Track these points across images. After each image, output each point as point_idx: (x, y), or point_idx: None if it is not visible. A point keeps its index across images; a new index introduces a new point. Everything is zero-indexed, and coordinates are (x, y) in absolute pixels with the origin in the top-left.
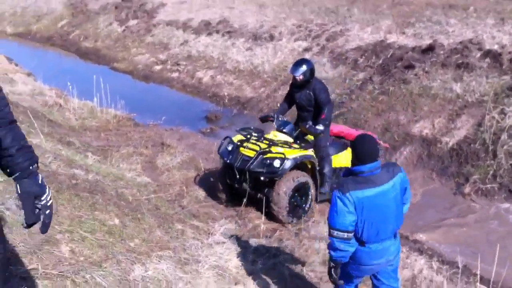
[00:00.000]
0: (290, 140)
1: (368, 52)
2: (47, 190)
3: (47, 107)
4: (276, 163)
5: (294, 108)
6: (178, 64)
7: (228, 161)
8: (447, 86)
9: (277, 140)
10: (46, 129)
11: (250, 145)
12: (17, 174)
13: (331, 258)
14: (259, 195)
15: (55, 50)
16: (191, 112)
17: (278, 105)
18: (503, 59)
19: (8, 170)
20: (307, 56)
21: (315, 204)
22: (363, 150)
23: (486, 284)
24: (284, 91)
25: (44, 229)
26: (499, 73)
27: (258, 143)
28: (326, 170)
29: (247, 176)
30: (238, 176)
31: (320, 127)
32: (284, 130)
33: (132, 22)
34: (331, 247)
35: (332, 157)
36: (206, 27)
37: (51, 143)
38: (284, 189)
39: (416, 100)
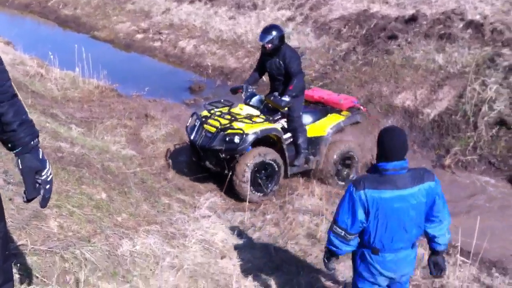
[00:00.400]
0: (256, 113)
1: (351, 22)
2: (47, 165)
3: (28, 77)
4: (236, 139)
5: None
6: (160, 33)
7: (191, 138)
8: (430, 57)
9: (240, 114)
10: (30, 100)
11: (212, 121)
12: (19, 149)
13: (326, 247)
14: (225, 171)
15: (34, 18)
16: (175, 82)
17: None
18: (485, 30)
19: (9, 145)
20: (290, 25)
21: (300, 177)
22: (390, 144)
23: (466, 256)
24: None
25: (44, 203)
26: (481, 44)
27: (219, 118)
28: (300, 141)
29: (209, 154)
30: (201, 154)
31: (286, 99)
32: (250, 103)
33: None
34: (327, 239)
35: (309, 126)
36: None
37: (35, 115)
38: (246, 166)
39: (398, 71)
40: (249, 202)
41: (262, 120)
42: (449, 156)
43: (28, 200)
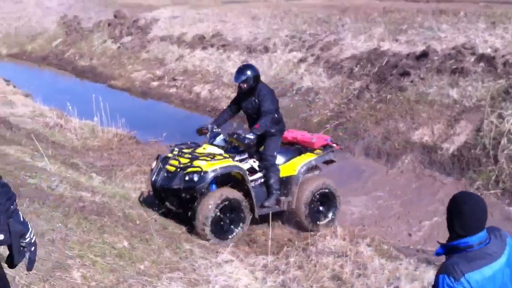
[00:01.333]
0: (219, 152)
1: (363, 61)
2: (29, 227)
3: (48, 128)
4: (195, 177)
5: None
6: (175, 80)
7: (152, 180)
8: (444, 92)
9: (201, 153)
10: (50, 151)
11: (172, 161)
12: None
13: None
14: (188, 213)
15: (51, 70)
16: (191, 127)
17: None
18: (497, 62)
19: None
20: (302, 66)
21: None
22: (473, 215)
23: None
24: (282, 103)
25: (31, 266)
26: (494, 77)
27: (179, 158)
28: (272, 181)
29: (169, 194)
30: (162, 195)
31: (250, 136)
32: (214, 143)
33: (127, 39)
34: None
35: (281, 166)
36: (201, 41)
37: (56, 165)
38: (207, 207)
39: (414, 107)
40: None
41: (223, 158)
42: (471, 191)
43: (15, 265)
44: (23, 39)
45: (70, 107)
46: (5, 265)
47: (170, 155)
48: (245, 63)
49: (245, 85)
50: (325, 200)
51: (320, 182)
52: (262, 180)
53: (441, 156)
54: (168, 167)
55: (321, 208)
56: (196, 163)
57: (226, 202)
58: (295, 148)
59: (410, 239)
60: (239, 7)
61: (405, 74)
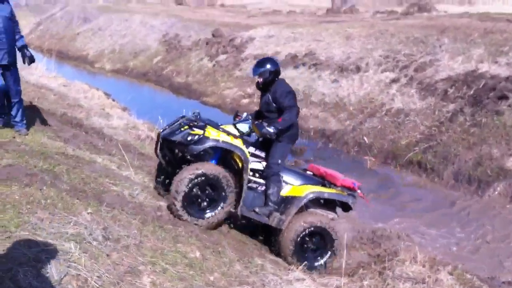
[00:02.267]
0: (233, 132)
1: (458, 83)
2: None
3: (139, 140)
4: (194, 138)
5: None
6: None
7: (161, 130)
8: None
9: (217, 126)
10: (137, 162)
11: (192, 122)
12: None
13: None
14: (177, 170)
15: (150, 86)
16: None
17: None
18: None
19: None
20: (394, 87)
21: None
22: None
23: None
24: (370, 123)
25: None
26: None
27: (197, 121)
28: (270, 191)
29: (164, 145)
30: (160, 144)
31: (270, 129)
32: (236, 125)
33: (222, 57)
34: None
35: (295, 187)
36: (293, 60)
37: (141, 175)
38: (180, 179)
39: (510, 132)
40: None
41: (233, 136)
42: None
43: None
44: (126, 55)
45: (161, 121)
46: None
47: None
48: (266, 56)
49: (260, 79)
50: (319, 241)
51: (317, 218)
52: (263, 187)
53: None
54: (183, 127)
55: (312, 247)
56: (207, 130)
57: (202, 178)
58: (319, 180)
59: (498, 272)
60: (335, 26)
61: (503, 97)
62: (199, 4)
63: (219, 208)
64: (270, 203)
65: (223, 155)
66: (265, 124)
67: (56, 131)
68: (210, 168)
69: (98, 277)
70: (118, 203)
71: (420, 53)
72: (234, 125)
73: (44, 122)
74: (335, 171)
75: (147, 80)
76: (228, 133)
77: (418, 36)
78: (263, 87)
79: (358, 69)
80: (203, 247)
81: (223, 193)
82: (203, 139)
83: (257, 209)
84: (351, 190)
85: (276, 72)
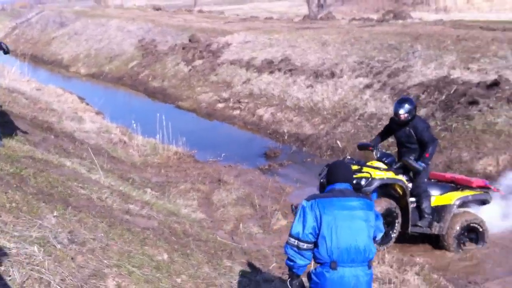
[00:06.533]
0: (384, 167)
1: (430, 88)
2: None
3: (111, 144)
4: (363, 181)
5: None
6: (239, 102)
7: (321, 180)
8: None
9: (370, 165)
10: (108, 165)
11: None
12: None
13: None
14: None
15: (125, 90)
16: (251, 149)
17: (372, 140)
18: None
19: None
20: (368, 92)
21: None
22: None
23: None
24: (344, 128)
25: None
26: None
27: (351, 165)
28: (424, 205)
29: None
30: None
31: (422, 164)
32: (386, 161)
33: (198, 62)
34: None
35: (438, 196)
36: (269, 66)
37: (111, 178)
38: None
39: (480, 136)
40: None
41: (389, 170)
42: None
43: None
44: (102, 60)
45: (134, 125)
46: None
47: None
48: (404, 96)
49: (406, 115)
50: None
51: (471, 216)
52: (415, 204)
53: (506, 188)
54: None
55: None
56: (365, 169)
57: (387, 209)
58: (453, 186)
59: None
60: (311, 33)
61: (474, 102)
62: (176, 10)
63: (392, 235)
64: (426, 215)
65: (381, 190)
66: (414, 160)
67: (25, 135)
68: (391, 203)
69: (61, 280)
70: (86, 207)
71: (393, 59)
72: (383, 162)
73: (13, 126)
74: (460, 175)
75: (122, 84)
76: (385, 170)
77: (392, 43)
78: (402, 123)
79: (332, 74)
80: (171, 250)
81: (395, 222)
82: (371, 180)
83: (419, 223)
84: (485, 188)
85: (416, 109)
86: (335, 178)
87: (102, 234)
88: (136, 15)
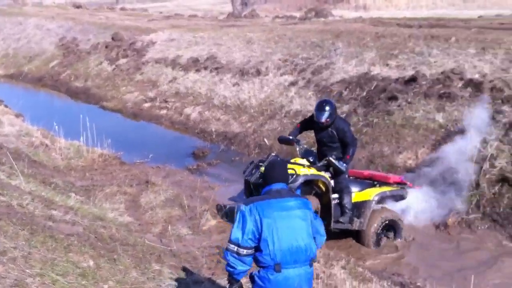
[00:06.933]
0: (307, 163)
1: (352, 85)
2: None
3: (32, 147)
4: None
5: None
6: (166, 101)
7: (246, 178)
8: (430, 116)
9: (294, 162)
10: (29, 170)
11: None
12: None
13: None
14: None
15: (46, 91)
16: (179, 149)
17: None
18: (484, 88)
19: None
20: (293, 89)
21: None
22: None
23: None
24: (271, 125)
25: None
26: (480, 102)
27: None
28: (345, 201)
29: (260, 191)
30: (253, 191)
31: (344, 165)
32: (309, 159)
33: (122, 61)
34: None
35: (358, 193)
36: (195, 64)
37: (33, 184)
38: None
39: (399, 131)
40: None
41: (312, 167)
42: (451, 215)
43: None
44: (21, 60)
45: (56, 127)
46: None
47: (264, 160)
48: (322, 99)
49: (328, 120)
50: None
51: (389, 212)
52: (337, 201)
53: (424, 179)
54: (262, 169)
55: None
56: (290, 166)
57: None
58: (371, 182)
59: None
60: (235, 30)
61: (393, 98)
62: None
63: None
64: (347, 211)
65: (304, 187)
66: (337, 161)
67: None
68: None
69: None
70: (5, 214)
71: (316, 56)
72: (307, 159)
73: None
74: (378, 172)
75: (43, 85)
76: (309, 166)
77: (315, 40)
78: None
79: (258, 72)
80: (97, 256)
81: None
82: (297, 177)
83: (341, 219)
84: (402, 184)
85: (336, 110)
86: (272, 178)
87: (24, 242)
88: (55, 13)
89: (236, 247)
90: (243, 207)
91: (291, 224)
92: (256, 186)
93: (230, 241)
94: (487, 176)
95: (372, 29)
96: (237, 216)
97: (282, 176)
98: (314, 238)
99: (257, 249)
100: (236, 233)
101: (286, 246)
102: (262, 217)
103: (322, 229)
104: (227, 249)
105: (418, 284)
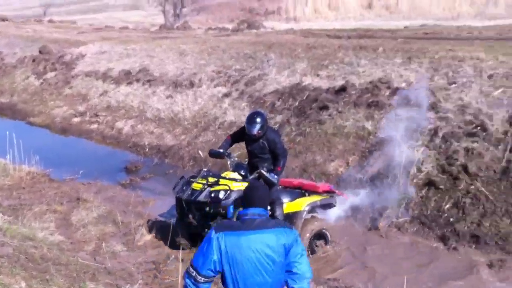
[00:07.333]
0: (240, 178)
1: (285, 95)
2: None
3: None
4: (221, 194)
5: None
6: (97, 115)
7: (177, 195)
8: (360, 124)
9: (225, 177)
10: None
11: (199, 180)
12: None
13: None
14: (206, 229)
15: None
16: (111, 164)
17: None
18: (410, 96)
19: None
20: (226, 101)
21: None
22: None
23: None
24: (205, 137)
25: None
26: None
27: (207, 177)
28: (277, 213)
29: (193, 208)
30: (185, 209)
31: (276, 177)
32: (242, 173)
33: (50, 75)
34: None
35: (289, 203)
36: (126, 77)
37: None
38: None
39: (331, 139)
40: None
41: (245, 181)
42: (382, 219)
43: None
44: None
45: None
46: None
47: (196, 176)
48: (253, 111)
49: (260, 132)
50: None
51: (320, 222)
52: (269, 212)
53: (355, 185)
54: (194, 185)
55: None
56: (222, 181)
57: None
58: (300, 191)
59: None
60: (168, 42)
61: (324, 108)
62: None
63: None
64: None
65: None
66: (268, 174)
67: None
68: None
69: None
70: None
71: (250, 68)
72: (239, 173)
73: None
74: (308, 180)
75: None
76: (242, 181)
77: (247, 52)
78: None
79: (192, 84)
80: (29, 277)
81: None
82: (231, 192)
83: None
84: (331, 192)
85: (267, 121)
86: (250, 202)
87: None
88: None
89: (194, 272)
90: (212, 232)
91: (260, 262)
92: (188, 203)
93: (191, 264)
94: (414, 181)
95: (303, 40)
96: (205, 239)
97: (261, 200)
98: (291, 273)
99: (223, 281)
100: (198, 260)
101: (251, 283)
102: (228, 251)
103: (304, 266)
104: (186, 271)
105: None
